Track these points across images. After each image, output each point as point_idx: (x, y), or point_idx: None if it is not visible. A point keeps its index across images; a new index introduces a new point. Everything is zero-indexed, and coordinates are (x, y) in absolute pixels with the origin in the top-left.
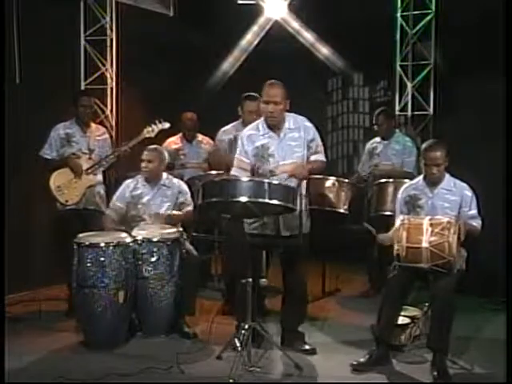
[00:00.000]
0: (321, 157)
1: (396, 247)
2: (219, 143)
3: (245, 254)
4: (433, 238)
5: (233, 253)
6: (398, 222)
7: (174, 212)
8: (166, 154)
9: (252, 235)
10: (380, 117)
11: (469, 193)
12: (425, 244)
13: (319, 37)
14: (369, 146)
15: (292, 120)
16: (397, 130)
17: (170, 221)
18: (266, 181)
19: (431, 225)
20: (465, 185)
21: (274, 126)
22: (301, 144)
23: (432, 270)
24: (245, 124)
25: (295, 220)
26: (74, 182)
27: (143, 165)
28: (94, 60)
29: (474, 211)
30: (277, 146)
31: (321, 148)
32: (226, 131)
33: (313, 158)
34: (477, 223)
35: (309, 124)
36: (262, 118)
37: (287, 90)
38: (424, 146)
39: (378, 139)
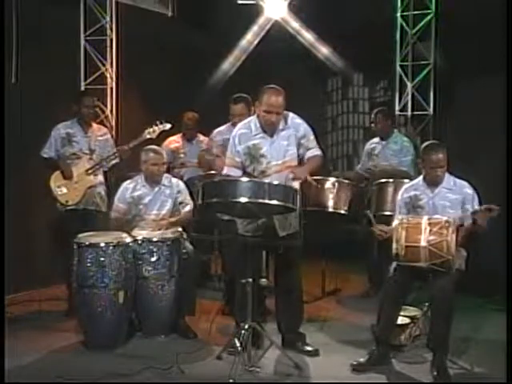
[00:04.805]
0: (316, 151)
1: (395, 246)
2: (211, 143)
3: (243, 255)
4: (431, 237)
5: (231, 253)
6: (396, 222)
7: (172, 219)
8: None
9: (247, 237)
10: (377, 116)
11: (470, 190)
12: (423, 243)
13: (319, 37)
14: (367, 146)
15: (282, 120)
16: (395, 130)
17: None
18: (266, 181)
19: (430, 224)
20: (465, 183)
21: (269, 129)
22: (292, 142)
23: (431, 268)
24: (234, 125)
25: (289, 219)
26: (75, 183)
27: (155, 168)
28: (94, 60)
29: (477, 208)
30: (269, 146)
31: (313, 143)
32: (220, 132)
33: (308, 154)
34: None
35: (298, 121)
36: (255, 117)
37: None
38: (425, 149)
39: (376, 140)
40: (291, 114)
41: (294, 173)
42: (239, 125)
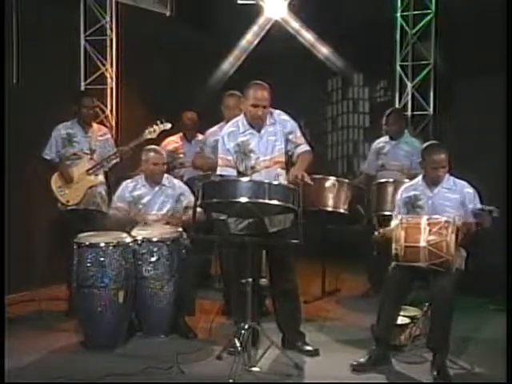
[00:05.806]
0: (305, 147)
1: (394, 246)
2: (204, 147)
3: (239, 254)
4: (431, 237)
5: (227, 253)
6: (394, 222)
7: (174, 221)
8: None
9: (239, 236)
10: (391, 117)
11: (470, 190)
12: (423, 243)
13: (319, 37)
14: (375, 145)
15: (269, 116)
16: (406, 131)
17: (172, 221)
18: (266, 181)
19: (429, 224)
20: (464, 183)
21: (256, 125)
22: (279, 138)
23: (430, 268)
24: (227, 123)
25: (278, 216)
26: (76, 183)
27: (156, 168)
28: (94, 60)
29: (480, 206)
30: (257, 142)
31: (302, 139)
32: (212, 133)
33: (298, 151)
34: None
35: (285, 117)
36: (242, 115)
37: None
38: (426, 149)
39: (385, 138)
40: (277, 111)
41: (291, 175)
42: (227, 124)
